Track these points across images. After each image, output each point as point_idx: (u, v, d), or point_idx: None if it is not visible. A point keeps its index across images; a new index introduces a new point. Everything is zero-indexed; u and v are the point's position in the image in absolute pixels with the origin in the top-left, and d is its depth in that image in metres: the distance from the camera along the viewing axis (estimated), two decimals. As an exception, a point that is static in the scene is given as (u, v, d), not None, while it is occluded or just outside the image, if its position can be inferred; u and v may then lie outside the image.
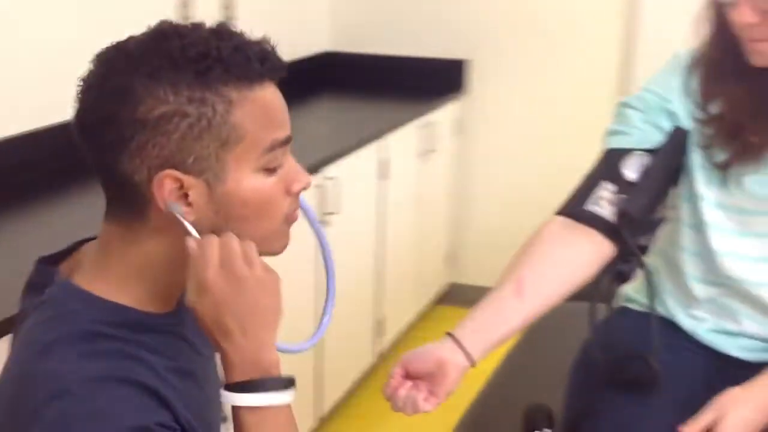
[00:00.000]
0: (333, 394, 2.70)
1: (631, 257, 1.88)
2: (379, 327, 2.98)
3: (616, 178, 1.34)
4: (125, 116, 0.88)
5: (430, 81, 3.38)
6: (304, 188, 0.97)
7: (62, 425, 0.84)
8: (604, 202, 1.33)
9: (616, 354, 1.34)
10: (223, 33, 0.91)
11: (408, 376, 1.26)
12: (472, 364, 1.27)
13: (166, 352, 0.95)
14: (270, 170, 0.94)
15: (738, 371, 1.35)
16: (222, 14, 2.86)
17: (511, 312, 1.30)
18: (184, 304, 0.99)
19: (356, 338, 2.84)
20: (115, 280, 0.94)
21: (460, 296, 3.59)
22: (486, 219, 3.56)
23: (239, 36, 0.92)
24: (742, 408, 1.21)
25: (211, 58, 0.89)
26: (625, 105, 1.41)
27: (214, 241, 0.91)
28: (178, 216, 0.90)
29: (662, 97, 1.37)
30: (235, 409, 0.92)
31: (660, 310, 1.40)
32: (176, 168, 0.89)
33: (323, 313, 1.10)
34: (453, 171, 3.49)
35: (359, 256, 2.78)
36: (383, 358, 3.06)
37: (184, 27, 0.92)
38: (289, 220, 0.98)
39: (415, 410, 1.24)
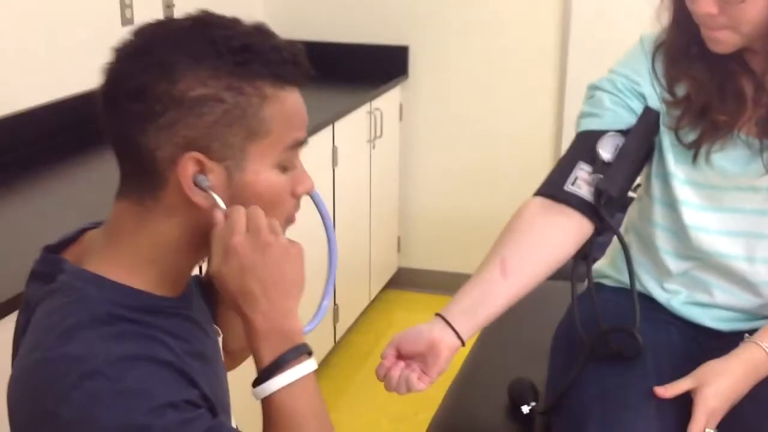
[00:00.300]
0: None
1: (602, 234, 1.96)
2: (334, 313, 3.00)
3: (593, 158, 1.38)
4: (162, 90, 0.90)
5: (373, 67, 3.39)
6: (308, 192, 1.01)
7: (92, 404, 0.85)
8: (581, 182, 1.38)
9: (597, 328, 1.39)
10: (263, 31, 0.95)
11: (400, 356, 1.29)
12: (462, 343, 1.31)
13: (181, 335, 0.97)
14: (284, 168, 0.97)
15: (712, 340, 1.43)
16: (161, 0, 2.83)
17: (497, 292, 1.34)
18: (189, 287, 1.03)
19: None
20: (127, 264, 0.96)
21: (407, 280, 3.64)
22: (429, 204, 3.60)
23: (277, 37, 0.96)
24: (722, 379, 1.27)
25: (251, 52, 0.92)
26: (595, 88, 1.46)
27: (241, 209, 0.94)
28: (207, 190, 0.92)
29: (631, 80, 1.42)
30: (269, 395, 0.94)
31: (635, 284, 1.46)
32: (201, 151, 0.91)
33: (323, 297, 1.13)
34: (399, 156, 3.53)
35: (314, 242, 2.79)
36: (339, 344, 3.09)
37: (227, 19, 0.95)
38: (289, 220, 1.01)
39: (409, 389, 1.27)
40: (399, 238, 3.64)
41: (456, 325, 1.30)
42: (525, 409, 1.47)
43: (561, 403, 1.38)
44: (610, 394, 1.31)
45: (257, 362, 0.95)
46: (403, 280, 3.64)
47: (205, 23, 0.94)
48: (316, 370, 0.97)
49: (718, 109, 1.35)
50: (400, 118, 3.49)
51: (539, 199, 1.41)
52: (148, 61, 0.91)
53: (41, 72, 2.37)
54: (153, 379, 0.88)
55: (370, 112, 3.14)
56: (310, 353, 0.96)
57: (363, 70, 3.38)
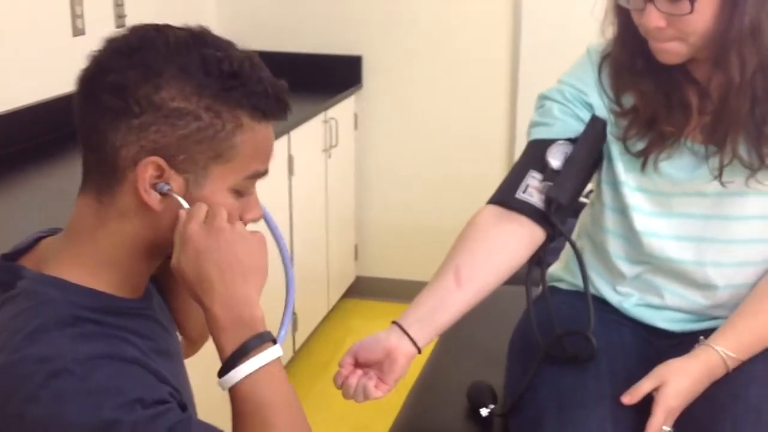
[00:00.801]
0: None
1: (553, 241, 1.98)
2: (293, 322, 3.00)
3: (542, 167, 1.40)
4: (144, 93, 0.91)
5: (327, 77, 3.41)
6: (255, 220, 1.03)
7: (61, 403, 0.86)
8: (533, 189, 1.40)
9: (552, 331, 1.41)
10: (254, 62, 0.97)
11: (357, 364, 1.31)
12: (419, 351, 1.32)
13: (145, 334, 0.98)
14: (238, 194, 0.99)
15: (664, 341, 1.46)
16: (113, 11, 2.81)
17: (452, 300, 1.36)
18: (149, 287, 1.05)
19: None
20: (87, 266, 0.97)
21: (365, 288, 3.65)
22: (386, 212, 3.62)
23: (265, 71, 0.98)
24: (681, 378, 1.29)
25: (238, 80, 0.94)
26: (545, 98, 1.49)
27: (202, 204, 0.95)
28: (169, 192, 0.93)
29: (579, 90, 1.45)
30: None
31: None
32: (165, 159, 0.93)
33: (285, 311, 1.15)
34: (355, 165, 3.54)
35: (271, 252, 2.79)
36: (298, 353, 3.09)
37: (223, 40, 0.97)
38: None
39: (366, 397, 1.28)
40: (356, 247, 3.65)
41: (412, 333, 1.31)
42: (484, 411, 1.49)
43: (518, 405, 1.40)
44: (565, 395, 1.34)
45: (220, 352, 0.95)
46: (361, 289, 3.65)
47: (201, 39, 0.95)
48: (281, 357, 0.97)
49: (665, 120, 1.38)
50: (355, 128, 3.51)
51: (492, 207, 1.43)
52: (137, 60, 0.92)
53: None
54: (121, 376, 0.89)
55: (326, 122, 3.15)
56: (274, 341, 0.96)
57: (317, 79, 3.39)
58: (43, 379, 0.86)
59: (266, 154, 1.00)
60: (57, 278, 0.95)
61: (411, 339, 1.31)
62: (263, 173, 1.00)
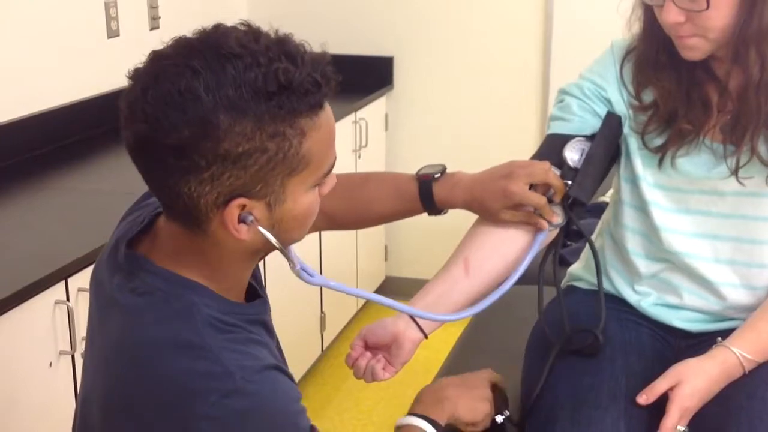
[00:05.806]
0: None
1: (573, 241, 1.97)
2: (321, 321, 3.02)
3: (560, 162, 1.41)
4: (207, 148, 0.90)
5: (358, 78, 3.41)
6: (329, 189, 1.05)
7: (243, 423, 0.93)
8: None
9: (565, 329, 1.42)
10: (294, 56, 0.93)
11: (367, 347, 1.36)
12: (425, 336, 1.36)
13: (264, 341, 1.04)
14: (317, 184, 1.00)
15: (681, 340, 1.46)
16: (147, 14, 2.86)
17: (459, 289, 1.38)
18: (254, 288, 1.09)
19: (303, 333, 2.88)
20: (198, 274, 1.00)
21: (394, 288, 3.65)
22: (415, 212, 3.62)
23: (305, 56, 0.94)
24: (698, 378, 1.29)
25: (288, 90, 0.91)
26: (564, 92, 1.50)
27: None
28: (256, 225, 0.96)
29: (598, 86, 1.46)
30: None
31: (607, 287, 1.49)
32: (244, 195, 0.94)
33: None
34: (385, 166, 3.56)
35: (302, 251, 2.81)
36: (326, 352, 3.11)
37: (252, 45, 0.92)
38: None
39: (375, 378, 1.34)
40: (386, 247, 3.67)
41: (419, 319, 1.35)
42: (499, 418, 1.49)
43: (534, 403, 1.41)
44: (580, 394, 1.34)
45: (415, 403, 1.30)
46: (391, 289, 3.64)
47: (237, 59, 0.90)
48: None
49: (685, 116, 1.38)
50: (386, 128, 3.52)
51: None
52: (189, 116, 0.89)
53: (26, 84, 2.40)
54: (285, 384, 0.98)
55: (355, 122, 3.17)
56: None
57: (348, 80, 3.35)
58: (217, 398, 0.92)
59: (333, 140, 0.99)
60: (185, 279, 0.99)
61: (418, 325, 1.35)
62: (334, 162, 1.01)
